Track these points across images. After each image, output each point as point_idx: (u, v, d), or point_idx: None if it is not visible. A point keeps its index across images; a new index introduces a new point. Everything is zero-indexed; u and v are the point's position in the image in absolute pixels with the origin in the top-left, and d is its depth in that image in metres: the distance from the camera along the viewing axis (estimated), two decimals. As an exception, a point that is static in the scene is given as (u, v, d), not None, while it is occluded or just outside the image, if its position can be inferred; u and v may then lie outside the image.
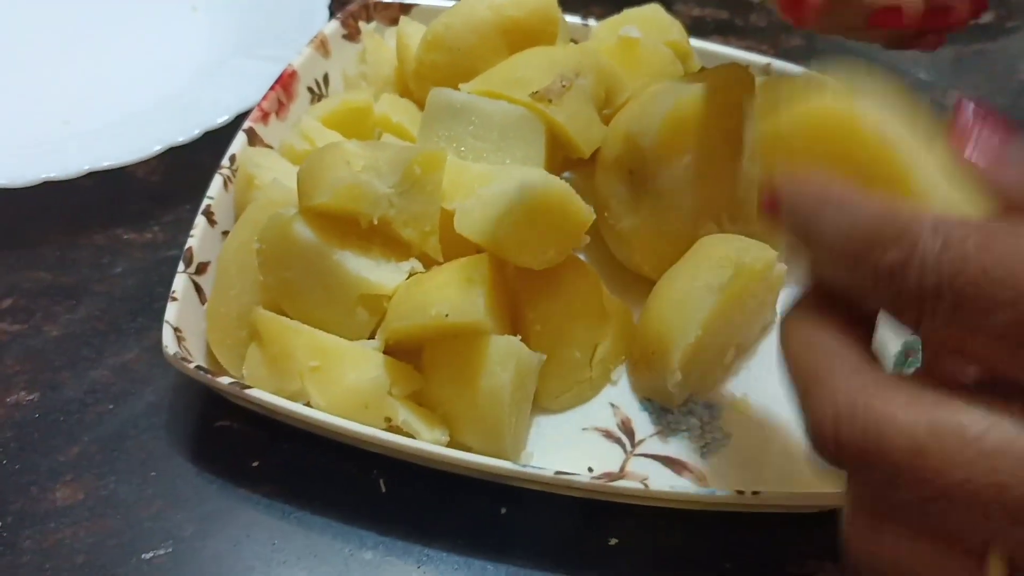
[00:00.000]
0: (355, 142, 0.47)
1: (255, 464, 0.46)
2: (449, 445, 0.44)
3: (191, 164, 0.58)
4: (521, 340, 0.44)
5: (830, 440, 0.28)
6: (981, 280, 0.26)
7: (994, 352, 0.27)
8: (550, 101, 0.48)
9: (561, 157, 0.52)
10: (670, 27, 0.59)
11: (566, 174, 0.54)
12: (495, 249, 0.45)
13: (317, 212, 0.44)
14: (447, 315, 0.43)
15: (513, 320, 0.47)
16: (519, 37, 0.52)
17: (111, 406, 0.49)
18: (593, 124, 0.51)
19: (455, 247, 0.46)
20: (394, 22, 0.64)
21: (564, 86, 0.48)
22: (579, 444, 0.47)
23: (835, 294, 0.31)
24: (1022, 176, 0.30)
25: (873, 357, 0.30)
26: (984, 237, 0.27)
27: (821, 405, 0.28)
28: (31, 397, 0.49)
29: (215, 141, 0.58)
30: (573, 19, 0.63)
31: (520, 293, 0.46)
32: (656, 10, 0.60)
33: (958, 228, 0.27)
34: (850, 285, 0.30)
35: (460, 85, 0.51)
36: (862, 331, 0.31)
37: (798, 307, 0.32)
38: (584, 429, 0.48)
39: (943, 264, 0.27)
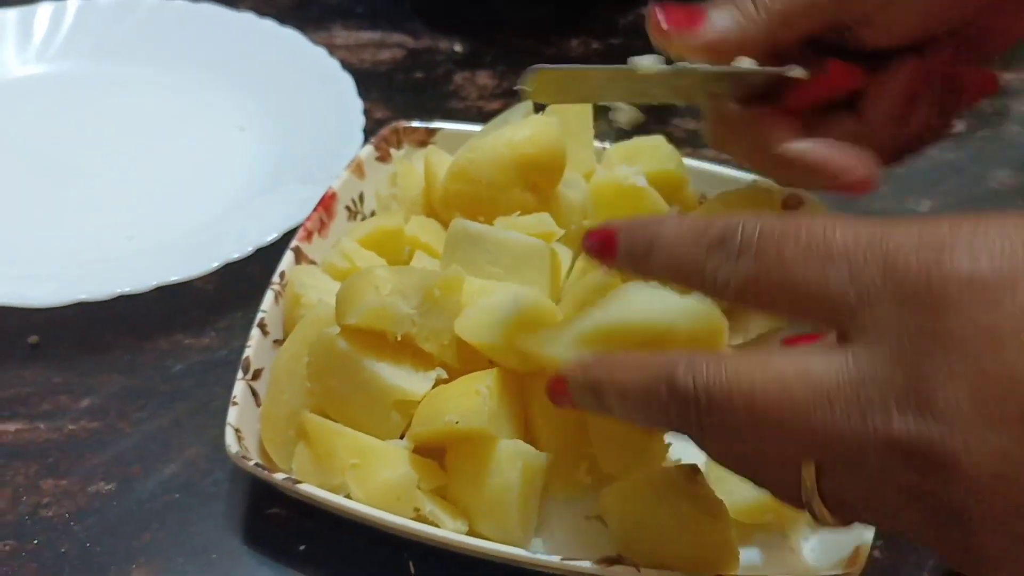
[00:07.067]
0: (385, 267, 0.55)
1: (302, 548, 0.53)
2: (468, 533, 0.50)
3: (242, 275, 0.66)
4: (532, 441, 0.51)
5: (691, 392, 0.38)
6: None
7: None
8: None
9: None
10: (670, 158, 0.65)
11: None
12: (487, 350, 0.52)
13: (354, 329, 0.52)
14: (457, 422, 0.50)
15: (527, 424, 0.54)
16: (532, 171, 0.60)
17: (177, 495, 0.56)
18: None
19: (472, 357, 0.53)
20: (422, 143, 0.72)
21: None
22: (585, 531, 0.54)
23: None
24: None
25: None
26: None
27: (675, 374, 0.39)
28: (109, 487, 0.56)
29: (263, 253, 0.66)
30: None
31: (531, 402, 0.54)
32: (659, 141, 0.66)
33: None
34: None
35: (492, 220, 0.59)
36: None
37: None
38: (588, 517, 0.54)
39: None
